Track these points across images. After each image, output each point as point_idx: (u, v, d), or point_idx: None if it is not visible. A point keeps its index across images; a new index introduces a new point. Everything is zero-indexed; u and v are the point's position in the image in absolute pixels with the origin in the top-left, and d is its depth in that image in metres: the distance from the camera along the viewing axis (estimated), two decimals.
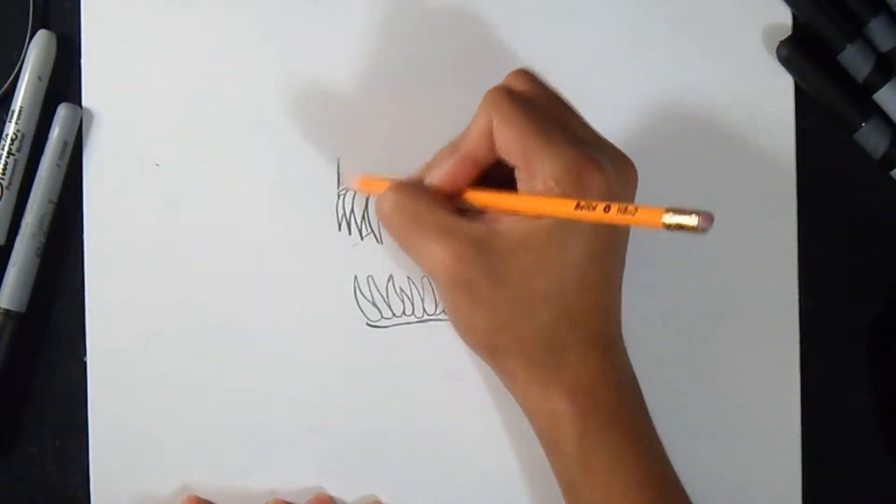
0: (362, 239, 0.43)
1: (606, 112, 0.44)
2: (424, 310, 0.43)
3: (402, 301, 0.43)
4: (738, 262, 0.44)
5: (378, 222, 0.42)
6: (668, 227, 0.29)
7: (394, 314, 0.43)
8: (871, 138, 0.43)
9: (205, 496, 0.43)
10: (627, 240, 0.38)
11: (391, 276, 0.43)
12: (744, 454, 0.43)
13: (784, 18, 0.44)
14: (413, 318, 0.43)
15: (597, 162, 0.34)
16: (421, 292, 0.43)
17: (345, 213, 0.43)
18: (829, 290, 0.44)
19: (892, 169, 0.44)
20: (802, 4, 0.43)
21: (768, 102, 0.44)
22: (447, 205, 0.36)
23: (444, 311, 0.43)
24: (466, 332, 0.37)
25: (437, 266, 0.35)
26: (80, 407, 0.43)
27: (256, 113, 0.44)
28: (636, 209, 0.30)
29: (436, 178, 0.37)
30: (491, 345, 0.37)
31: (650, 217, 0.30)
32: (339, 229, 0.43)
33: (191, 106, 0.44)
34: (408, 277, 0.43)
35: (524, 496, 0.43)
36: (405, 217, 0.36)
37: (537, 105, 0.36)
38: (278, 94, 0.44)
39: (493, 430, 0.43)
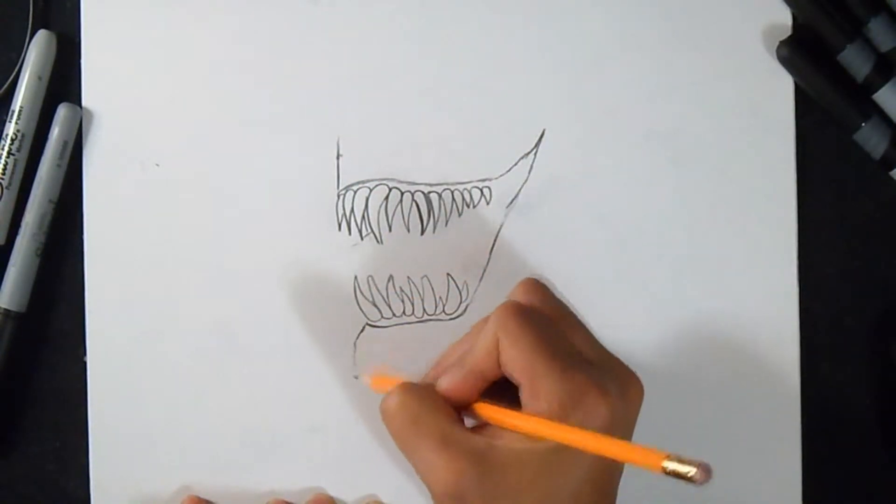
0: (362, 239, 0.43)
1: (606, 112, 0.44)
2: (424, 310, 0.43)
3: (402, 301, 0.43)
4: (738, 262, 0.44)
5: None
6: (666, 472, 0.29)
7: (394, 314, 0.43)
8: (871, 138, 0.43)
9: (205, 496, 0.43)
10: (622, 470, 0.37)
11: (391, 276, 0.43)
12: (744, 454, 0.43)
13: (784, 18, 0.44)
14: (413, 318, 0.43)
15: (601, 387, 0.34)
16: (421, 292, 0.43)
17: (345, 213, 0.43)
18: (829, 290, 0.44)
19: (892, 169, 0.44)
20: (802, 4, 0.43)
21: (768, 102, 0.44)
22: (450, 413, 0.36)
23: (443, 311, 0.43)
24: None
25: (432, 476, 0.35)
26: (80, 407, 0.43)
27: (256, 113, 0.44)
28: (636, 450, 0.31)
29: (443, 386, 0.36)
30: None
31: (650, 459, 0.30)
32: (339, 229, 0.44)
33: (191, 106, 0.44)
34: (408, 277, 0.43)
35: None
36: (407, 420, 0.36)
37: (545, 322, 0.36)
38: (278, 93, 0.44)
39: None
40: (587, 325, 0.37)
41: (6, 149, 0.42)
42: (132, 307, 0.43)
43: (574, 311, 0.37)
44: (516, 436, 0.35)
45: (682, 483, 0.39)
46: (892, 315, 0.44)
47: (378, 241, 0.43)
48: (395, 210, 0.43)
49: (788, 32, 0.44)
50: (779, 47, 0.43)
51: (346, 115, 0.44)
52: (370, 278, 0.43)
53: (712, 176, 0.44)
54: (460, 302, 0.43)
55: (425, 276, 0.43)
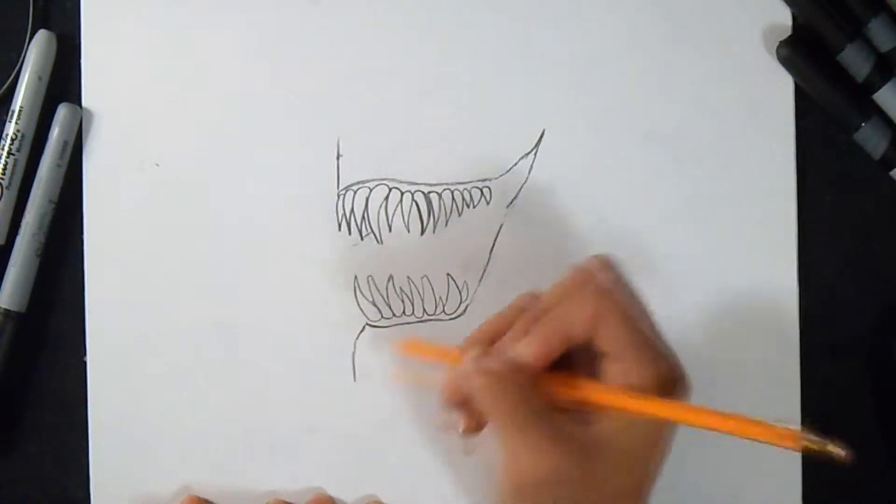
0: (362, 239, 0.43)
1: (606, 112, 0.44)
2: (424, 310, 0.43)
3: (402, 301, 0.43)
4: (738, 262, 0.44)
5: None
6: (805, 448, 0.31)
7: (394, 314, 0.43)
8: (871, 138, 0.43)
9: (205, 496, 0.43)
10: None
11: (391, 276, 0.43)
12: (744, 454, 0.43)
13: (784, 18, 0.44)
14: (413, 318, 0.43)
15: (683, 373, 0.35)
16: (421, 292, 0.43)
17: (345, 213, 0.43)
18: (829, 290, 0.44)
19: (892, 169, 0.44)
20: (802, 4, 0.43)
21: (768, 102, 0.44)
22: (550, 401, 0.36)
23: (448, 313, 0.43)
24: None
25: (531, 458, 0.34)
26: (80, 407, 0.43)
27: (256, 113, 0.44)
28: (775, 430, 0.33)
29: (527, 352, 0.35)
30: None
31: (786, 437, 0.32)
32: (339, 229, 0.44)
33: (191, 106, 0.44)
34: (408, 277, 0.43)
35: None
36: (519, 398, 0.35)
37: (640, 302, 0.36)
38: (278, 94, 0.44)
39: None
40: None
41: (6, 149, 0.42)
42: (132, 307, 0.43)
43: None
44: (610, 420, 0.35)
45: (681, 482, 0.40)
46: (893, 314, 0.44)
47: (378, 241, 0.43)
48: (395, 210, 0.43)
49: (788, 32, 0.44)
50: (779, 47, 0.43)
51: (346, 115, 0.44)
52: (370, 278, 0.43)
53: (712, 176, 0.44)
54: (460, 302, 0.43)
55: (425, 276, 0.43)
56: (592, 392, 0.35)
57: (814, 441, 0.31)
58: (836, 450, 0.30)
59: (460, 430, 0.38)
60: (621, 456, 0.34)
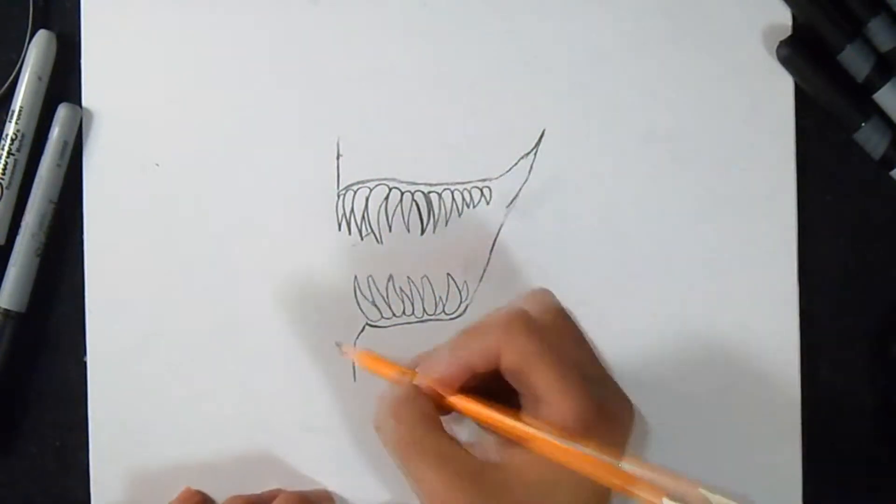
0: (362, 239, 0.43)
1: (606, 112, 0.44)
2: (424, 310, 0.43)
3: (402, 301, 0.43)
4: (739, 262, 0.44)
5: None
6: None
7: (394, 314, 0.43)
8: (871, 138, 0.43)
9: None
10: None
11: (391, 276, 0.43)
12: (744, 454, 0.43)
13: (784, 18, 0.44)
14: (413, 318, 0.43)
15: (605, 411, 0.34)
16: (421, 292, 0.43)
17: (345, 213, 0.43)
18: (829, 290, 0.44)
19: (892, 169, 0.44)
20: (802, 4, 0.43)
21: (768, 102, 0.44)
22: (443, 428, 0.36)
23: (443, 311, 0.43)
24: None
25: (429, 494, 0.35)
26: (80, 407, 0.43)
27: (256, 113, 0.44)
28: (641, 485, 0.32)
29: (432, 375, 0.36)
30: None
31: (649, 495, 0.32)
32: (339, 229, 0.44)
33: (191, 106, 0.44)
34: (408, 277, 0.43)
35: None
36: (405, 435, 0.35)
37: (551, 334, 0.36)
38: (278, 93, 0.44)
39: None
40: (590, 341, 0.37)
41: (6, 149, 0.42)
42: (132, 307, 0.43)
43: (579, 326, 0.37)
44: (511, 454, 0.35)
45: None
46: (892, 315, 0.44)
47: (378, 241, 0.43)
48: (395, 210, 0.43)
49: (788, 32, 0.43)
50: (779, 47, 0.43)
51: (346, 115, 0.44)
52: (370, 278, 0.43)
53: (712, 176, 0.44)
54: (460, 302, 0.43)
55: (425, 276, 0.43)
56: (499, 422, 0.35)
57: None
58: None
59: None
60: (518, 491, 0.34)
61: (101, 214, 0.43)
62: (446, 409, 0.37)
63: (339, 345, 0.42)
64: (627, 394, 0.38)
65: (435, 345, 0.42)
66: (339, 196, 0.44)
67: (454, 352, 0.36)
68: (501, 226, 0.44)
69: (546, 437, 0.34)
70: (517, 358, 0.34)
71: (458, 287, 0.43)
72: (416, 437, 0.35)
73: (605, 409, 0.34)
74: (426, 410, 0.36)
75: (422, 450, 0.35)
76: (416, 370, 0.37)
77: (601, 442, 0.34)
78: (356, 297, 0.43)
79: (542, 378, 0.34)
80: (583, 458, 0.33)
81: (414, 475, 0.35)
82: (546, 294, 0.38)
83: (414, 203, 0.43)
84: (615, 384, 0.37)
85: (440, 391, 0.36)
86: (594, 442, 0.34)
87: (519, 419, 0.34)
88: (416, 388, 0.37)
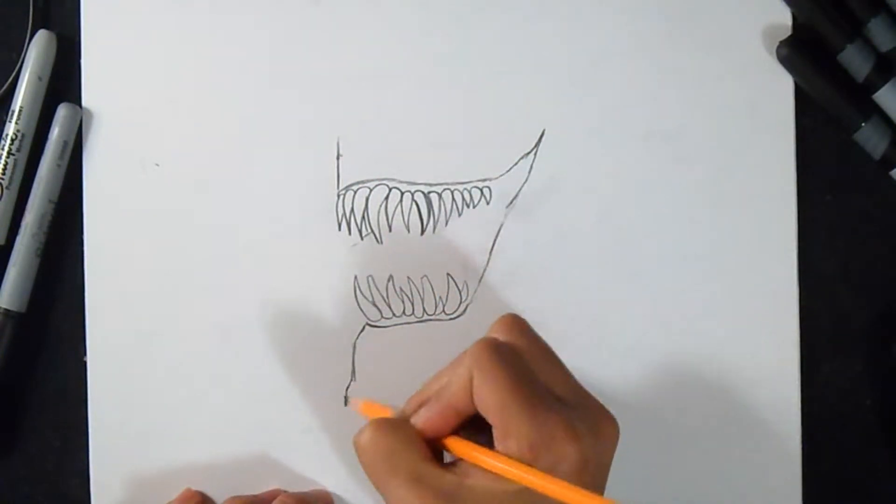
0: (362, 239, 0.44)
1: (606, 112, 0.44)
2: (424, 310, 0.43)
3: (402, 301, 0.43)
4: (739, 262, 0.44)
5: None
6: None
7: (394, 314, 0.43)
8: (871, 138, 0.43)
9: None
10: None
11: (391, 276, 0.43)
12: (744, 454, 0.43)
13: (784, 18, 0.44)
14: (413, 318, 0.43)
15: (572, 430, 0.34)
16: (421, 292, 0.43)
17: (345, 213, 0.43)
18: (829, 290, 0.44)
19: (892, 169, 0.44)
20: (802, 4, 0.43)
21: (768, 102, 0.44)
22: (423, 448, 0.36)
23: (444, 312, 0.43)
24: None
25: None
26: (80, 407, 0.43)
27: (256, 113, 0.44)
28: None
29: (419, 421, 0.36)
30: None
31: None
32: (339, 229, 0.44)
33: (191, 106, 0.44)
34: (408, 277, 0.43)
35: None
36: (379, 455, 0.35)
37: (520, 360, 0.36)
38: (278, 93, 0.44)
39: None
40: (564, 364, 0.37)
41: (6, 149, 0.42)
42: (132, 307, 0.43)
43: (551, 349, 0.37)
44: (488, 475, 0.34)
45: (681, 482, 0.40)
46: (892, 315, 0.44)
47: (378, 241, 0.43)
48: (395, 210, 0.43)
49: (788, 32, 0.44)
50: (779, 47, 0.43)
51: (346, 115, 0.44)
52: (370, 278, 0.43)
53: (712, 176, 0.44)
54: (460, 302, 0.43)
55: (425, 276, 0.43)
56: (463, 451, 0.35)
57: None
58: None
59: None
60: None
61: (101, 214, 0.43)
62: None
63: (346, 398, 0.43)
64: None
65: (436, 344, 0.42)
66: (339, 196, 0.44)
67: (438, 396, 0.36)
68: (501, 226, 0.44)
69: (508, 460, 0.34)
70: (487, 390, 0.34)
71: (458, 287, 0.43)
72: (392, 455, 0.35)
73: (577, 431, 0.34)
74: (404, 432, 0.36)
75: (397, 467, 0.35)
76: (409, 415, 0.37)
77: (569, 462, 0.34)
78: (356, 297, 0.43)
79: (508, 404, 0.34)
80: (548, 481, 0.33)
81: (388, 493, 0.35)
82: (516, 318, 0.37)
83: (414, 203, 0.43)
84: (595, 402, 0.37)
85: (434, 436, 0.36)
86: (558, 463, 0.33)
87: (505, 460, 0.34)
88: (402, 416, 0.37)
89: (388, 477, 0.35)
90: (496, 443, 0.35)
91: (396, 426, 0.36)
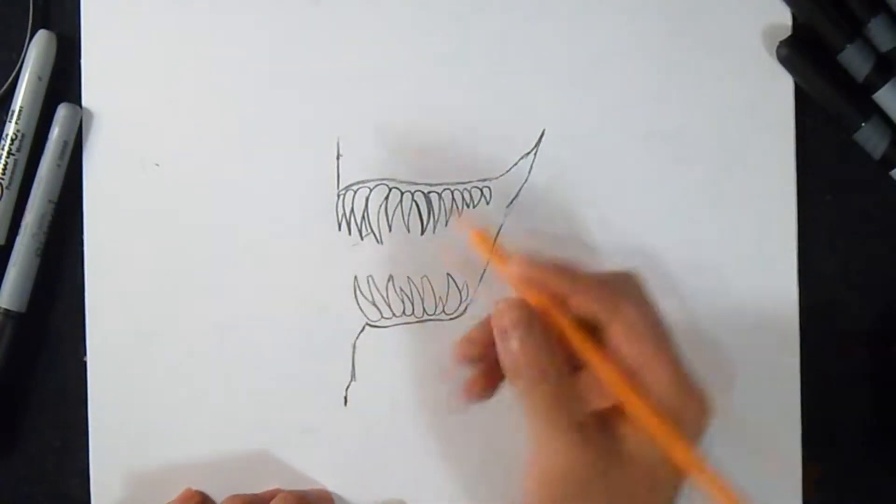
0: (362, 239, 0.43)
1: (606, 112, 0.44)
2: (424, 310, 0.43)
3: (402, 301, 0.43)
4: (739, 262, 0.44)
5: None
6: None
7: (394, 314, 0.43)
8: (871, 138, 0.43)
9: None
10: None
11: (391, 276, 0.43)
12: (744, 454, 0.43)
13: (784, 18, 0.44)
14: (413, 318, 0.43)
15: (695, 393, 0.35)
16: (421, 292, 0.43)
17: (345, 213, 0.43)
18: (829, 290, 0.44)
19: (892, 169, 0.44)
20: (802, 4, 0.43)
21: (768, 102, 0.44)
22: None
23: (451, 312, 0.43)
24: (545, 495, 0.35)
25: (560, 457, 0.34)
26: (80, 407, 0.43)
27: (256, 113, 0.44)
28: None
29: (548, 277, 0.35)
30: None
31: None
32: (339, 229, 0.44)
33: (191, 106, 0.44)
34: (408, 277, 0.43)
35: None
36: (554, 399, 0.34)
37: (658, 314, 0.36)
38: (278, 93, 0.44)
39: (493, 429, 0.43)
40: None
41: (6, 149, 0.42)
42: (132, 307, 0.43)
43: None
44: (633, 433, 0.34)
45: None
46: (893, 315, 0.44)
47: (378, 241, 0.43)
48: (395, 210, 0.43)
49: (788, 32, 0.43)
50: (779, 47, 0.43)
51: (346, 115, 0.44)
52: (370, 278, 0.43)
53: (712, 176, 0.44)
54: (460, 302, 0.43)
55: (425, 276, 0.43)
56: (627, 401, 0.34)
57: None
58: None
59: (470, 391, 0.37)
60: (644, 472, 0.34)
61: (101, 214, 0.43)
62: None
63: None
64: None
65: (436, 344, 0.42)
66: (339, 196, 0.44)
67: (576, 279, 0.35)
68: (501, 226, 0.44)
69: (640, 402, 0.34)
70: (630, 317, 0.34)
71: (458, 287, 0.43)
72: (565, 402, 0.34)
73: (695, 391, 0.35)
74: (569, 381, 0.35)
75: (568, 414, 0.34)
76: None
77: (689, 420, 0.34)
78: (356, 297, 0.43)
79: (646, 346, 0.34)
80: (668, 432, 0.33)
81: (551, 436, 0.34)
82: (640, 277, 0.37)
83: (414, 203, 0.43)
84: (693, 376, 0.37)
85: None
86: (684, 417, 0.34)
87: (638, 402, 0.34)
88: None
89: (557, 422, 0.34)
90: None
91: (563, 374, 0.35)
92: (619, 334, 0.34)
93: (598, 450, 0.34)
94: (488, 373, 0.37)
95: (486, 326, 0.36)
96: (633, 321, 0.34)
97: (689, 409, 0.34)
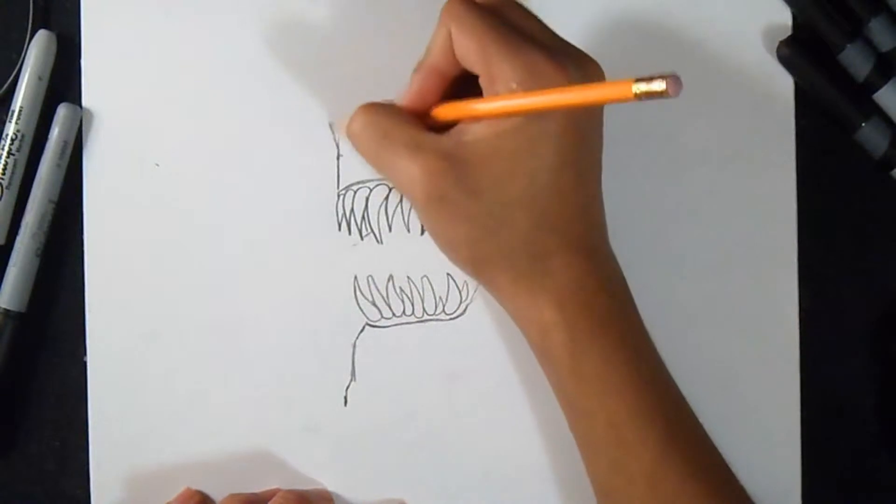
0: (362, 239, 0.43)
1: (606, 112, 0.44)
2: (424, 310, 0.43)
3: (402, 301, 0.43)
4: (739, 262, 0.44)
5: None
6: (638, 96, 0.29)
7: (394, 314, 0.43)
8: (871, 138, 0.43)
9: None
10: (601, 145, 0.38)
11: (391, 276, 0.43)
12: (744, 454, 0.43)
13: (784, 18, 0.44)
14: (413, 318, 0.43)
15: (558, 62, 0.34)
16: (421, 292, 0.43)
17: (345, 213, 0.43)
18: (829, 290, 0.44)
19: (892, 169, 0.44)
20: (802, 4, 0.43)
21: (768, 102, 0.44)
22: (416, 122, 0.36)
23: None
24: (448, 248, 0.37)
25: (411, 183, 0.35)
26: (80, 407, 0.43)
27: (256, 113, 0.44)
28: (604, 87, 0.32)
29: (405, 97, 0.37)
30: (474, 258, 0.36)
31: (620, 90, 0.30)
32: (339, 229, 0.44)
33: (190, 106, 0.44)
34: (408, 277, 0.43)
35: (524, 496, 0.43)
36: (375, 135, 0.36)
37: (496, 11, 0.36)
38: (278, 94, 0.44)
39: (494, 429, 0.43)
40: (540, 18, 0.37)
41: (6, 149, 0.42)
42: (132, 307, 0.43)
43: (524, 6, 0.37)
44: (483, 128, 0.35)
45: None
46: (893, 315, 0.44)
47: (378, 241, 0.43)
48: (395, 210, 0.43)
49: (788, 32, 0.44)
50: (779, 47, 0.43)
51: (347, 115, 0.43)
52: (370, 278, 0.43)
53: (712, 176, 0.44)
54: (460, 302, 0.43)
55: (425, 276, 0.43)
56: (454, 112, 0.35)
57: (642, 88, 0.30)
58: (661, 85, 0.29)
59: None
60: (497, 161, 0.34)
61: (101, 214, 0.43)
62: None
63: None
64: None
65: (436, 344, 0.42)
66: (339, 196, 0.44)
67: (419, 66, 0.37)
68: None
69: (502, 97, 0.34)
70: (467, 38, 0.34)
71: (458, 287, 0.43)
72: (388, 131, 0.36)
73: (563, 62, 0.34)
74: (395, 111, 0.37)
75: (393, 141, 0.36)
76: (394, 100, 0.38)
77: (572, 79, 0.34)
78: (356, 297, 0.43)
79: (490, 48, 0.34)
80: (548, 95, 0.33)
81: (393, 170, 0.36)
82: None
83: None
84: (574, 47, 0.36)
85: (423, 109, 0.36)
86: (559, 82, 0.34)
87: (500, 97, 0.34)
88: (389, 101, 0.37)
89: (389, 154, 0.36)
90: (484, 93, 0.35)
91: (385, 107, 0.37)
92: (463, 53, 0.35)
93: (441, 160, 0.35)
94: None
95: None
96: (460, 33, 0.35)
97: (550, 82, 0.34)
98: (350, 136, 0.37)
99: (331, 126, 0.43)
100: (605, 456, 0.36)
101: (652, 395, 0.36)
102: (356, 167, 0.43)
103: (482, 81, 0.35)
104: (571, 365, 0.35)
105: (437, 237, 0.37)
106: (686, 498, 0.35)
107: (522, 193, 0.35)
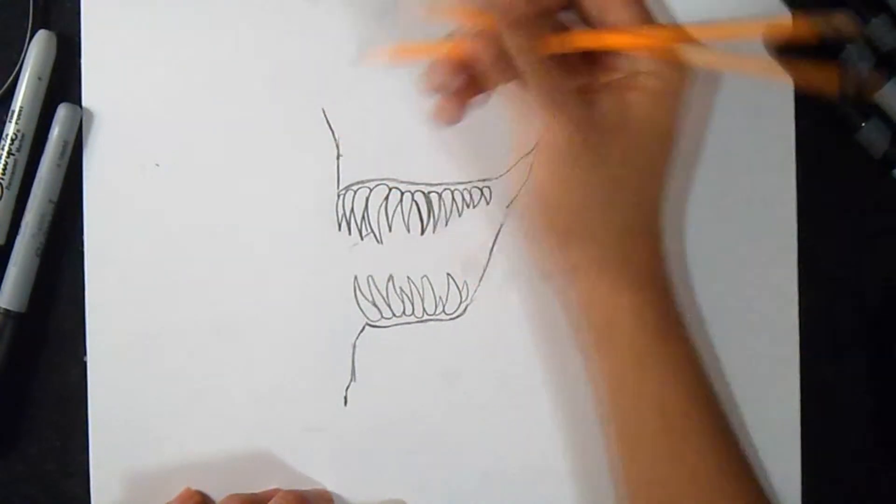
0: (362, 239, 0.44)
1: None
2: (424, 310, 0.43)
3: (402, 301, 0.43)
4: (739, 262, 0.44)
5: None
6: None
7: (394, 314, 0.43)
8: (871, 138, 0.43)
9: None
10: None
11: (391, 276, 0.43)
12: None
13: (784, 18, 0.44)
14: (413, 318, 0.43)
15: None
16: (421, 292, 0.43)
17: (345, 213, 0.43)
18: (829, 290, 0.44)
19: (892, 169, 0.44)
20: (802, 4, 0.43)
21: (768, 102, 0.44)
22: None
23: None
24: (551, 211, 0.36)
25: (551, 132, 0.35)
26: (80, 407, 0.43)
27: (256, 113, 0.44)
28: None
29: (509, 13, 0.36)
30: (569, 229, 0.36)
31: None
32: (339, 229, 0.44)
33: (190, 106, 0.44)
34: (408, 277, 0.43)
35: (524, 496, 0.43)
36: (555, 79, 0.35)
37: None
38: (278, 94, 0.44)
39: (494, 429, 0.43)
40: None
41: (6, 149, 0.42)
42: (132, 307, 0.43)
43: None
44: (616, 99, 0.35)
45: None
46: (892, 314, 0.44)
47: (378, 241, 0.43)
48: (395, 210, 0.43)
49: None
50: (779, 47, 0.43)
51: (347, 116, 0.44)
52: (370, 278, 0.43)
53: (712, 176, 0.44)
54: (460, 302, 0.43)
55: (425, 276, 0.43)
56: (605, 38, 0.36)
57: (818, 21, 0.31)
58: (842, 21, 0.30)
59: (441, 114, 0.38)
60: (627, 135, 0.35)
61: (101, 214, 0.43)
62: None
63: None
64: None
65: (436, 344, 0.42)
66: (339, 196, 0.44)
67: None
68: (501, 226, 0.44)
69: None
70: None
71: (458, 287, 0.43)
72: (550, 72, 0.35)
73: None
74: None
75: (552, 84, 0.35)
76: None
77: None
78: (356, 297, 0.43)
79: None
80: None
81: (549, 109, 0.35)
82: None
83: (414, 203, 0.43)
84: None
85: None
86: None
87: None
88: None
89: (542, 93, 0.35)
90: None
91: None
92: None
93: (584, 120, 0.35)
94: (456, 95, 0.38)
95: (449, 53, 0.37)
96: None
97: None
98: (516, 50, 0.35)
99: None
100: (651, 444, 0.36)
101: (706, 387, 0.37)
102: (356, 167, 0.43)
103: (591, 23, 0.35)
104: (636, 350, 0.36)
105: (542, 197, 0.36)
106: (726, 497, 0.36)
107: (641, 171, 0.35)
